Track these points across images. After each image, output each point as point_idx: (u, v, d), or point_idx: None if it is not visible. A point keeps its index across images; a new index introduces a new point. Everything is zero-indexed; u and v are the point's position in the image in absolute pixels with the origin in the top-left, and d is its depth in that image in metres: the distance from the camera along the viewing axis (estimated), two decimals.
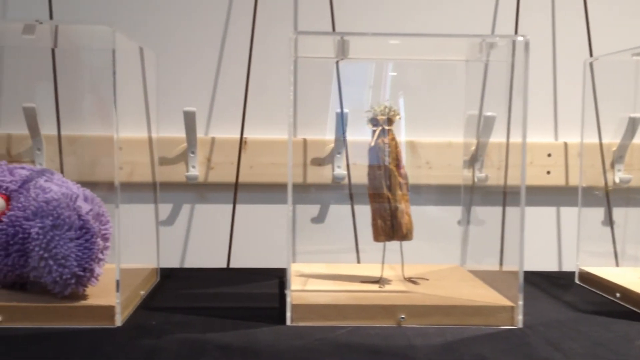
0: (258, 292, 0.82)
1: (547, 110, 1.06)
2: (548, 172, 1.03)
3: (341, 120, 0.98)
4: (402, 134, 0.85)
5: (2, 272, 0.71)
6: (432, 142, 1.00)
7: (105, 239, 0.70)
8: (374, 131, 0.75)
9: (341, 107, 0.97)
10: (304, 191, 1.03)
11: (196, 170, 1.00)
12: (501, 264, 0.89)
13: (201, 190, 1.03)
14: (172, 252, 1.03)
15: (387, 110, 0.75)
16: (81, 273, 0.67)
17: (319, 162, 1.02)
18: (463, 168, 0.98)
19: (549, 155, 1.03)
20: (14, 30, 0.85)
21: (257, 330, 0.67)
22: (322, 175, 1.02)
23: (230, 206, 1.02)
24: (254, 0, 1.00)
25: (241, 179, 1.00)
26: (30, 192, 0.68)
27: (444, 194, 1.02)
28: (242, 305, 0.77)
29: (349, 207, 1.02)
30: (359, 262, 1.01)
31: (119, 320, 0.67)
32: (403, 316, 0.68)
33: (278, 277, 0.91)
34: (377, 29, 1.02)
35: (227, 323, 0.69)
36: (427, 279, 0.80)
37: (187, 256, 1.04)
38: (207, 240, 1.03)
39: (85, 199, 0.69)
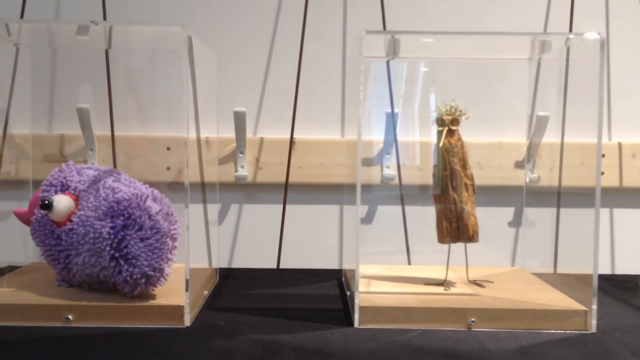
0: (318, 294, 0.82)
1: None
2: (602, 173, 1.02)
3: (392, 121, 0.97)
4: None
5: (72, 271, 0.71)
6: (483, 143, 0.99)
7: (173, 238, 0.70)
8: (439, 131, 0.74)
9: (392, 107, 0.96)
10: (353, 191, 1.02)
11: (245, 170, 1.00)
12: (555, 266, 0.88)
13: (249, 190, 1.03)
14: (221, 251, 1.03)
15: (452, 110, 0.74)
16: (151, 273, 0.67)
17: (367, 162, 1.01)
18: (525, 169, 0.96)
19: (603, 155, 1.02)
20: (67, 32, 0.85)
21: (326, 332, 0.66)
22: (370, 175, 1.02)
23: (278, 206, 1.01)
24: (305, 0, 0.99)
25: (289, 179, 1.00)
26: (100, 192, 0.69)
27: (495, 195, 1.01)
28: (306, 306, 0.76)
29: (397, 207, 1.01)
30: (409, 263, 1.00)
31: (187, 320, 0.67)
32: (473, 319, 0.67)
33: (336, 278, 0.90)
34: (428, 27, 1.01)
35: (295, 324, 0.68)
36: (492, 282, 0.79)
37: (235, 256, 1.04)
38: (255, 240, 1.03)
39: (154, 199, 0.69)
